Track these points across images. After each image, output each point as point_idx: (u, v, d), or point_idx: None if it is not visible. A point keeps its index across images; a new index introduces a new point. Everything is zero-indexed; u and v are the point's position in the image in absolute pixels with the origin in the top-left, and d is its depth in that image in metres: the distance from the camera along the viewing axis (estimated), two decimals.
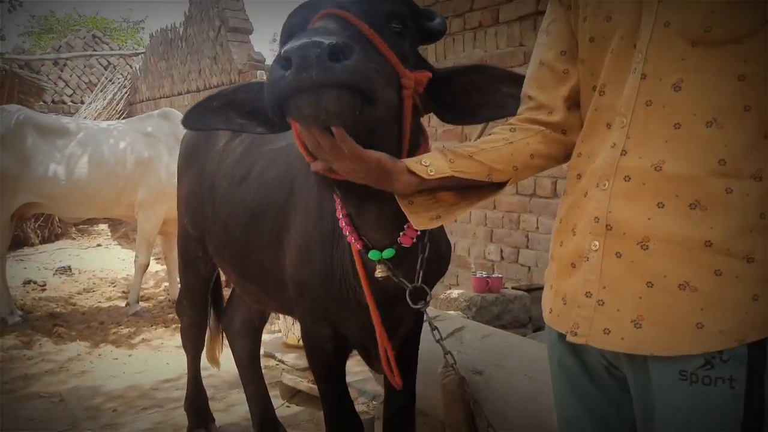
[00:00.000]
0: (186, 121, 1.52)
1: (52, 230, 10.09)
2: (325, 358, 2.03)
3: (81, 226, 10.71)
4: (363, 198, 1.43)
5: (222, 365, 3.52)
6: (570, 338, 1.25)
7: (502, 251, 4.25)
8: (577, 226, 1.27)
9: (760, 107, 1.09)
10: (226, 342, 3.40)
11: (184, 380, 4.15)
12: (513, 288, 3.77)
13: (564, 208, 1.34)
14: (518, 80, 1.41)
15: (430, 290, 1.67)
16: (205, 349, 3.35)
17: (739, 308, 1.09)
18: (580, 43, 1.29)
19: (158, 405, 3.87)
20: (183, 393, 3.89)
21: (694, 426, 1.12)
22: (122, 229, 10.91)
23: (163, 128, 6.29)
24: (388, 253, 1.52)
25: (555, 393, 1.42)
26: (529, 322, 3.68)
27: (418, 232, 1.53)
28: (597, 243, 1.21)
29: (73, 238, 10.44)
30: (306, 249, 1.91)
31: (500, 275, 3.74)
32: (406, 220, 1.41)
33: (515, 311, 3.64)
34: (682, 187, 1.13)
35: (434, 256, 1.67)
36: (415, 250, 1.57)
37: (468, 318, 3.52)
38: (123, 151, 6.11)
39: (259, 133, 1.52)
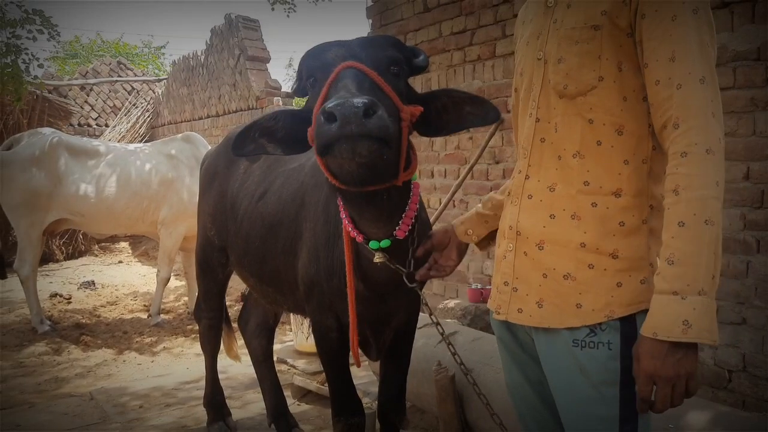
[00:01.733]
0: (235, 148, 1.87)
1: (76, 247, 10.53)
2: (331, 346, 2.38)
3: (103, 244, 11.14)
4: (362, 205, 1.79)
5: (237, 368, 3.86)
6: (495, 316, 1.66)
7: None
8: (502, 233, 1.67)
9: (611, 141, 1.46)
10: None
11: (203, 382, 4.50)
12: None
13: (500, 222, 1.73)
14: (477, 101, 1.79)
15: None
16: (224, 349, 3.72)
17: (606, 293, 1.45)
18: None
19: (180, 403, 4.20)
20: (203, 392, 4.25)
21: (588, 379, 1.46)
22: (142, 247, 11.34)
23: (185, 151, 6.69)
24: (385, 243, 1.85)
25: (502, 365, 1.79)
26: None
27: (410, 227, 1.87)
28: (511, 245, 1.61)
29: (96, 255, 10.87)
30: (314, 250, 2.27)
31: None
32: (400, 218, 1.82)
33: None
34: (565, 203, 1.50)
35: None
36: (407, 242, 1.90)
37: (463, 325, 3.84)
38: (148, 172, 6.51)
39: (287, 154, 1.90)
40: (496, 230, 1.88)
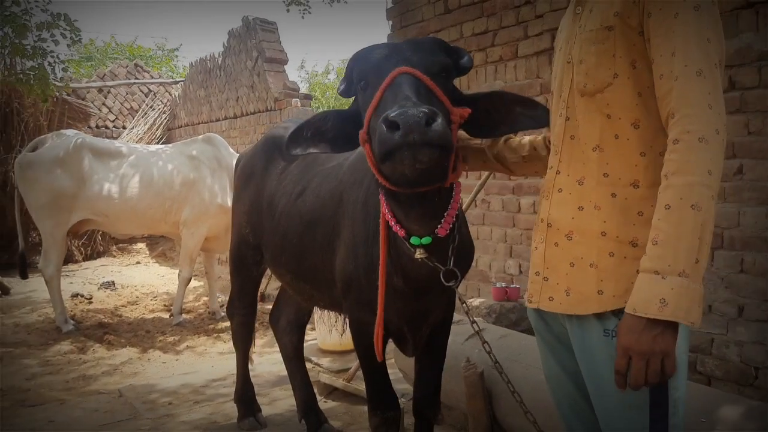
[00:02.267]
0: (289, 148, 1.93)
1: (95, 248, 10.64)
2: (368, 341, 2.42)
3: (121, 245, 11.25)
4: (410, 205, 1.85)
5: (262, 366, 3.92)
6: (527, 305, 1.74)
7: (520, 266, 4.62)
8: (536, 227, 1.75)
9: (627, 135, 1.54)
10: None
11: (231, 379, 4.59)
12: None
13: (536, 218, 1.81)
14: (528, 102, 1.87)
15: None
16: None
17: (626, 279, 1.49)
18: None
19: (209, 400, 4.27)
20: (230, 390, 4.31)
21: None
22: (159, 248, 11.45)
23: (206, 152, 6.77)
24: (426, 240, 1.91)
25: (540, 355, 1.85)
26: None
27: (451, 226, 1.92)
28: (542, 237, 1.69)
29: (114, 256, 10.98)
30: (353, 247, 2.32)
31: (518, 286, 4.11)
32: (442, 217, 1.88)
33: None
34: (590, 195, 1.58)
35: (461, 248, 2.04)
36: (447, 240, 1.94)
37: (488, 324, 3.89)
38: (170, 173, 6.60)
39: (336, 152, 1.96)
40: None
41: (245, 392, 3.71)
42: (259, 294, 6.38)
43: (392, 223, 1.94)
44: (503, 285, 4.04)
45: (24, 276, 6.62)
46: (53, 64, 6.06)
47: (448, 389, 3.54)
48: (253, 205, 3.17)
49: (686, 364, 1.58)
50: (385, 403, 2.50)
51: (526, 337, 3.45)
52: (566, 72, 1.65)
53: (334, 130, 1.92)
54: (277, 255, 2.92)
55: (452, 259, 1.98)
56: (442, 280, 1.95)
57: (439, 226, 1.89)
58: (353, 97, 1.94)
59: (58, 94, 8.56)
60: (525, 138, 2.07)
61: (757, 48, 3.25)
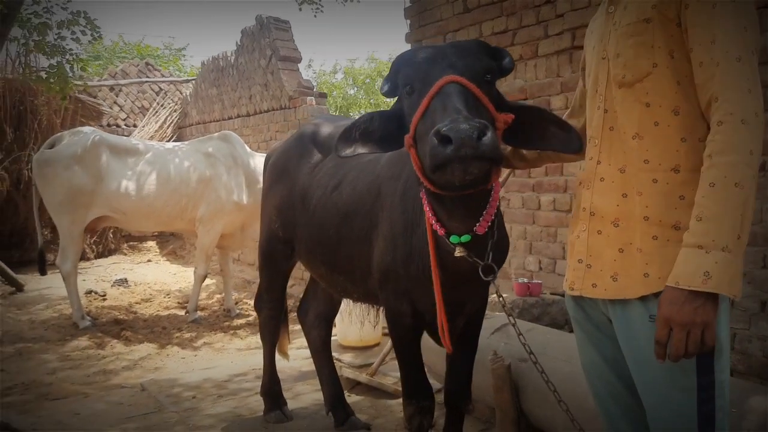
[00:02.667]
0: (339, 148, 1.98)
1: (106, 246, 10.69)
2: (404, 331, 2.48)
3: (132, 243, 11.31)
4: (454, 206, 1.90)
5: (284, 362, 3.95)
6: (569, 292, 1.78)
7: (540, 262, 4.65)
8: (576, 217, 1.78)
9: (668, 121, 1.58)
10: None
11: (253, 375, 4.64)
12: (551, 293, 4.18)
13: (573, 209, 1.85)
14: (564, 125, 1.90)
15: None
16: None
17: (670, 262, 1.52)
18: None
19: (232, 394, 4.31)
20: (253, 385, 4.36)
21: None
22: (170, 246, 11.50)
23: (222, 149, 6.82)
24: (465, 238, 1.95)
25: (577, 345, 1.88)
26: (566, 324, 4.07)
27: (490, 224, 1.96)
28: (584, 226, 1.72)
29: (125, 254, 11.03)
30: (391, 238, 2.36)
31: (540, 281, 4.14)
32: (481, 216, 1.91)
33: (553, 314, 4.04)
34: (632, 181, 1.62)
35: (498, 244, 2.08)
36: (486, 237, 1.98)
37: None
38: (187, 170, 6.65)
39: (382, 152, 2.01)
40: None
41: (272, 386, 3.74)
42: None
43: (433, 221, 1.98)
44: (525, 281, 4.07)
45: (43, 272, 6.67)
46: (71, 62, 6.10)
47: (475, 382, 3.57)
48: (284, 200, 3.21)
49: (729, 347, 1.61)
50: (420, 392, 2.54)
51: (550, 331, 3.49)
52: (602, 68, 1.71)
53: (381, 131, 1.96)
54: (312, 247, 2.96)
55: (490, 254, 2.01)
56: (481, 274, 1.99)
57: (477, 224, 1.93)
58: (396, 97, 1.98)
59: (72, 92, 8.61)
60: None
61: None
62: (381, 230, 2.45)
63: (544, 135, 1.89)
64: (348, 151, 1.96)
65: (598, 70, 1.73)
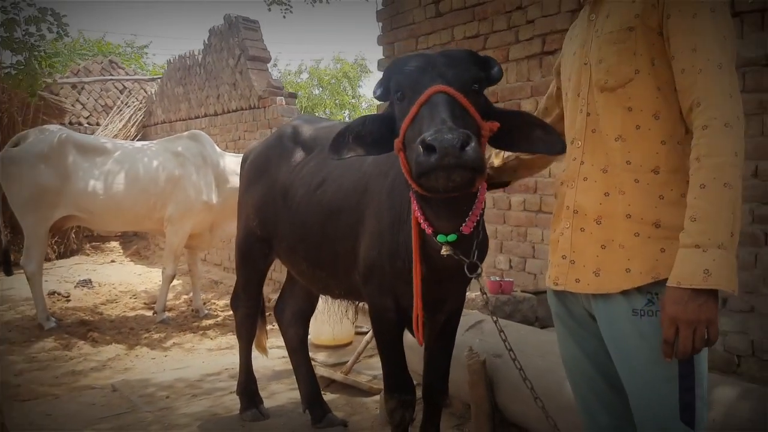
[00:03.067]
0: (333, 151, 2.03)
1: (68, 246, 10.50)
2: (387, 326, 2.54)
3: (94, 243, 11.12)
4: (440, 207, 1.97)
5: (258, 362, 3.97)
6: (552, 287, 1.84)
7: (510, 261, 4.77)
8: (558, 215, 1.86)
9: (649, 125, 1.67)
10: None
11: (226, 374, 4.65)
12: (522, 291, 4.28)
13: (554, 208, 1.93)
14: (549, 129, 1.98)
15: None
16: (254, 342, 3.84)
17: (652, 257, 1.62)
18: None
19: (206, 393, 4.30)
20: (227, 384, 4.38)
21: (648, 343, 1.62)
22: (133, 247, 11.34)
23: (191, 149, 6.76)
24: (452, 237, 2.01)
25: (558, 340, 1.95)
26: (536, 321, 4.18)
27: (475, 224, 2.04)
28: (568, 223, 1.79)
29: (88, 254, 10.85)
30: (378, 234, 2.43)
31: (511, 279, 4.24)
32: (467, 216, 1.99)
33: (524, 311, 4.14)
34: (615, 181, 1.70)
35: (481, 243, 2.16)
36: (471, 236, 2.05)
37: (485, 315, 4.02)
38: (155, 169, 6.58)
39: (375, 155, 2.07)
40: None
41: (248, 384, 3.76)
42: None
43: (421, 220, 2.05)
44: (497, 279, 4.16)
45: (9, 273, 6.53)
46: (40, 59, 6.00)
47: (450, 378, 3.64)
48: (263, 198, 3.24)
49: None
50: (402, 386, 2.61)
51: (524, 327, 3.59)
52: (584, 73, 1.79)
53: (373, 134, 2.02)
54: (294, 244, 3.00)
55: (476, 253, 2.09)
56: (467, 272, 2.06)
57: (464, 224, 2.00)
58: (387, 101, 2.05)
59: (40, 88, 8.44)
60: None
61: (742, 55, 3.44)
62: (367, 226, 2.51)
63: (529, 138, 1.97)
64: (342, 154, 2.01)
65: (580, 75, 1.80)
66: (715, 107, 1.52)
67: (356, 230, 2.57)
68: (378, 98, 2.04)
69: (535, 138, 1.96)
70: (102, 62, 12.16)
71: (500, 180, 2.32)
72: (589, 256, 1.74)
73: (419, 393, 2.84)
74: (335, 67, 22.10)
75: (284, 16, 9.74)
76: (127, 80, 11.78)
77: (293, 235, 3.00)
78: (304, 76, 22.33)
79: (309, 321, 3.79)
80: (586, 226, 1.75)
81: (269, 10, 9.01)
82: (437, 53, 1.96)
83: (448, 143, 1.61)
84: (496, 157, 2.23)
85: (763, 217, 3.42)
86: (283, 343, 3.85)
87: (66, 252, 10.49)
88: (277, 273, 7.16)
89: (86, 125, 11.22)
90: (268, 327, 6.21)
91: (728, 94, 1.53)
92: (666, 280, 1.57)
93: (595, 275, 1.72)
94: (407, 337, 2.75)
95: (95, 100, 11.50)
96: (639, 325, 1.64)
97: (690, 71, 1.57)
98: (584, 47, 1.80)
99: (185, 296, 7.87)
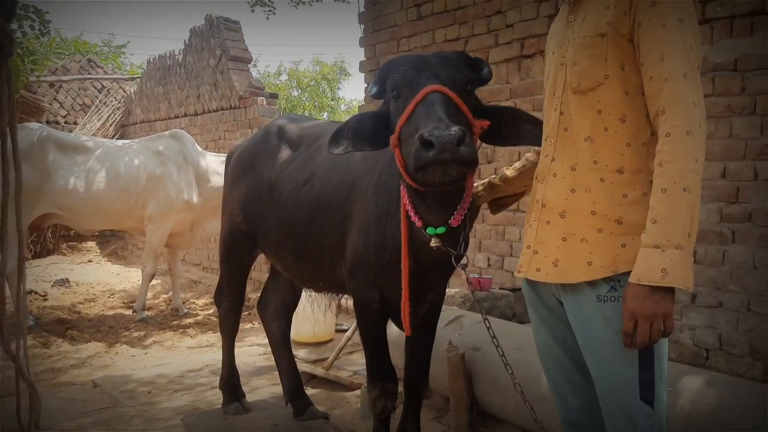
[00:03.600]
0: (331, 146, 2.12)
1: (44, 245, 10.42)
2: (371, 317, 2.62)
3: (71, 243, 11.04)
4: (432, 201, 2.07)
5: (239, 358, 4.03)
6: (516, 275, 1.95)
7: (489, 259, 4.87)
8: (531, 209, 1.95)
9: (615, 128, 1.77)
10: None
11: (207, 370, 4.69)
12: (500, 288, 4.39)
13: (529, 201, 2.01)
14: (536, 122, 2.09)
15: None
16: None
17: (613, 252, 1.73)
18: None
19: (188, 388, 4.33)
20: (209, 380, 4.42)
21: (611, 327, 1.72)
22: (111, 246, 11.28)
23: (173, 148, 6.78)
24: (441, 229, 2.11)
25: (532, 326, 2.05)
26: (514, 317, 4.29)
27: (463, 217, 2.13)
28: (536, 215, 1.89)
29: (64, 254, 10.76)
30: (364, 229, 2.51)
31: (490, 277, 4.35)
32: (456, 210, 2.09)
33: (502, 307, 4.25)
34: (582, 179, 1.80)
35: (466, 234, 2.26)
36: (459, 229, 2.15)
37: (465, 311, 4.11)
38: (136, 168, 6.59)
39: (371, 150, 2.17)
40: (505, 196, 2.32)
41: (231, 378, 3.81)
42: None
43: (412, 213, 2.14)
44: (477, 276, 4.26)
45: None
46: (22, 56, 5.98)
47: (430, 372, 3.74)
48: (249, 194, 3.30)
49: None
50: (384, 376, 2.68)
51: (502, 322, 3.69)
52: (560, 72, 1.87)
53: (370, 131, 2.12)
54: (281, 239, 3.07)
55: (463, 245, 2.19)
56: (454, 263, 2.16)
57: (452, 217, 2.10)
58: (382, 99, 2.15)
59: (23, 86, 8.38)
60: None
61: (712, 60, 3.59)
62: (355, 221, 2.58)
63: (518, 132, 2.08)
64: (340, 150, 2.10)
65: (556, 74, 1.89)
66: (679, 116, 1.62)
67: (343, 225, 2.65)
68: (374, 96, 2.12)
69: (524, 131, 2.07)
70: (80, 61, 12.08)
71: (514, 192, 2.37)
72: (550, 247, 1.83)
73: (400, 387, 2.92)
74: (314, 69, 22.15)
75: (267, 18, 9.80)
76: (106, 79, 11.72)
77: (280, 230, 3.06)
78: (284, 77, 22.37)
79: (292, 316, 3.85)
80: (551, 219, 1.85)
81: (252, 11, 9.08)
82: (431, 54, 2.06)
83: (446, 139, 1.72)
84: (508, 169, 2.28)
85: (731, 215, 3.56)
86: (265, 340, 3.90)
87: (42, 251, 10.41)
88: (257, 272, 7.20)
89: (64, 124, 11.14)
90: (249, 325, 6.33)
91: (692, 103, 1.62)
92: (625, 273, 1.68)
93: (554, 265, 1.81)
94: (389, 332, 2.83)
95: (73, 98, 11.42)
96: (603, 310, 1.74)
97: (657, 79, 1.66)
98: (562, 47, 1.88)
99: (164, 295, 7.87)
